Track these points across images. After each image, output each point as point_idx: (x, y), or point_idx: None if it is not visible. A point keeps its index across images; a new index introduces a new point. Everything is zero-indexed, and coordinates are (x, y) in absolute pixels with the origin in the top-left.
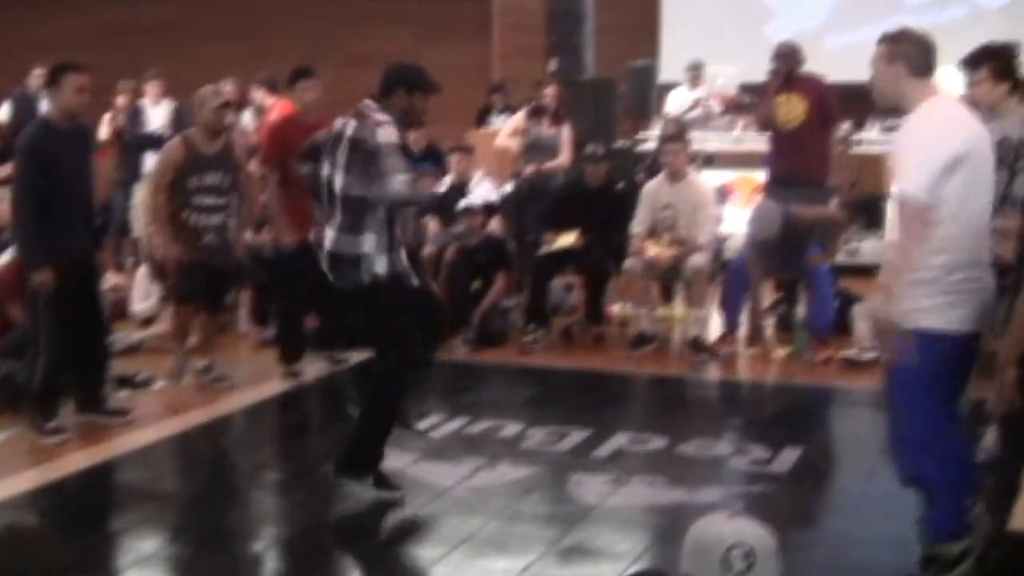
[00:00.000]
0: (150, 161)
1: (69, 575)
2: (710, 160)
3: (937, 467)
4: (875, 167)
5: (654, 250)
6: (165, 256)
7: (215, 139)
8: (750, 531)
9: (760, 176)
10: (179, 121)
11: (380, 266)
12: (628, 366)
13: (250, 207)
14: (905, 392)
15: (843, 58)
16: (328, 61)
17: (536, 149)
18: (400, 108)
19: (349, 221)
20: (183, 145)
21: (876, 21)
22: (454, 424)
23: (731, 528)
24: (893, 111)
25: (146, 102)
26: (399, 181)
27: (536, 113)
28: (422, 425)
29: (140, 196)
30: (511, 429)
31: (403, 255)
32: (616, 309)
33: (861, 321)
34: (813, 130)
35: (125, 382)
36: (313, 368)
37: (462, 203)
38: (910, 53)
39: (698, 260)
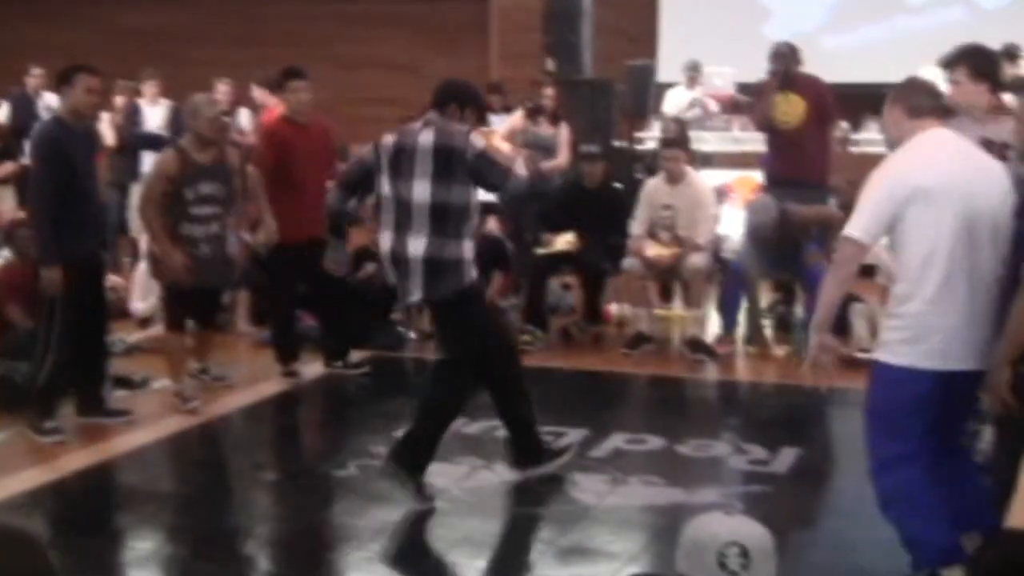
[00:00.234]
0: (148, 161)
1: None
2: (708, 160)
3: (885, 504)
4: (873, 167)
5: (653, 250)
6: (169, 268)
7: (209, 148)
8: (746, 529)
9: (758, 176)
10: (177, 121)
11: (473, 273)
12: (626, 366)
13: (253, 207)
14: (868, 421)
15: (841, 58)
16: (324, 64)
17: (534, 149)
18: (454, 121)
19: (444, 228)
20: (177, 156)
21: (874, 22)
22: (451, 424)
23: (727, 526)
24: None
25: (143, 102)
26: (521, 174)
27: (534, 113)
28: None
29: (137, 196)
30: None
31: None
32: (614, 309)
33: (859, 321)
34: (812, 130)
35: (123, 383)
36: (310, 368)
37: None
38: (907, 96)
39: (697, 260)
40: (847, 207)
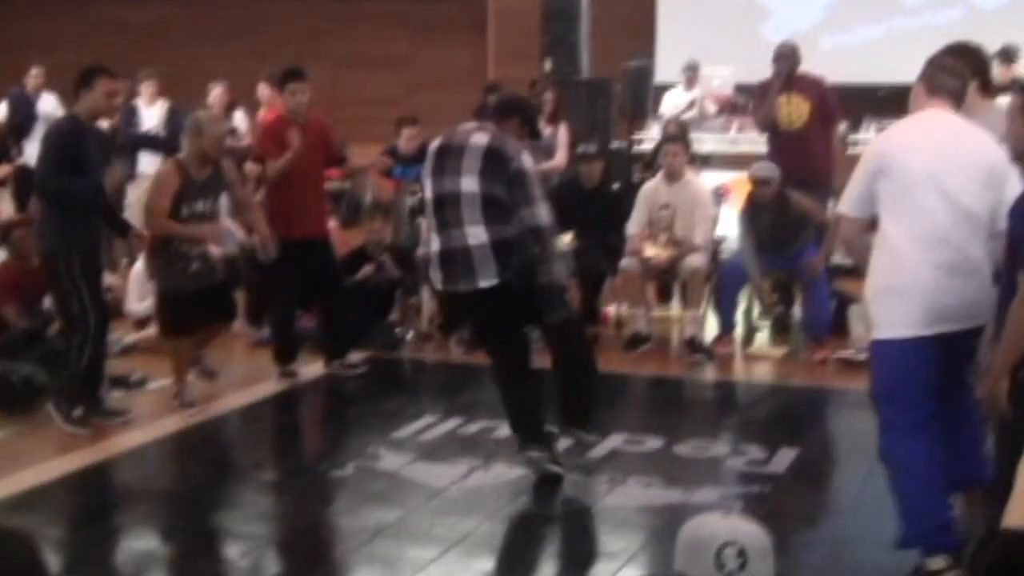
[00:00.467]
0: (145, 161)
1: (66, 575)
2: (705, 161)
3: (889, 471)
4: None
5: (651, 251)
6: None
7: (208, 165)
8: (743, 529)
9: None
10: (174, 121)
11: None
12: (624, 367)
13: (246, 211)
14: (873, 402)
15: (839, 59)
16: (322, 62)
17: (532, 149)
18: (508, 134)
19: (497, 214)
20: (177, 172)
21: (872, 22)
22: (449, 424)
23: (724, 526)
24: (892, 111)
25: (140, 102)
26: (543, 212)
27: None
28: (415, 426)
29: (135, 196)
30: (506, 430)
31: None
32: (612, 310)
33: (857, 322)
34: (815, 131)
35: (120, 382)
36: (309, 368)
37: None
38: (932, 74)
39: (695, 260)
40: None
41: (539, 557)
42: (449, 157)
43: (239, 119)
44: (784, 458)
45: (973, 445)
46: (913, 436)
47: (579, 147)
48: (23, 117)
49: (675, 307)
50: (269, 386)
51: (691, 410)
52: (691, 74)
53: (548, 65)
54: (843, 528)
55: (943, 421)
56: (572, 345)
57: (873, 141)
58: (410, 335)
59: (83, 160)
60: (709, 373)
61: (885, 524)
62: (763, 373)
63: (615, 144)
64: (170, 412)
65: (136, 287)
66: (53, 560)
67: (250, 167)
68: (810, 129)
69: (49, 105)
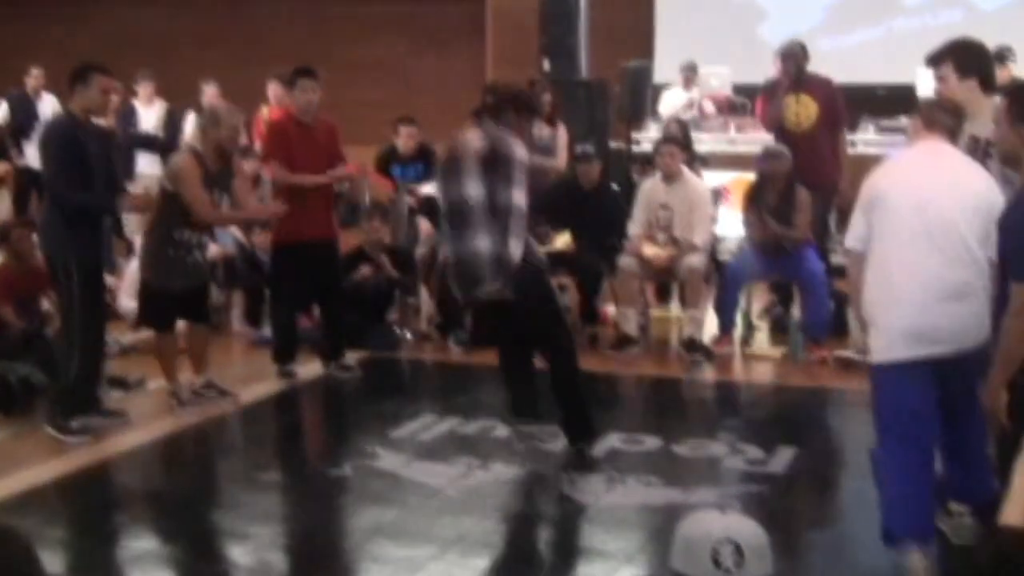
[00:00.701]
0: (143, 162)
1: (66, 575)
2: (703, 161)
3: (876, 467)
4: (869, 169)
5: (649, 250)
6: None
7: (221, 157)
8: (740, 527)
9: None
10: (172, 122)
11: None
12: (623, 367)
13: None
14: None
15: (837, 60)
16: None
17: (532, 149)
18: (509, 127)
19: (495, 226)
20: (196, 161)
21: (870, 23)
22: (447, 424)
23: (721, 524)
24: (891, 112)
25: (138, 103)
26: (520, 193)
27: None
28: (414, 425)
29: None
30: (504, 429)
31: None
32: (611, 310)
33: (856, 324)
34: (823, 132)
35: (118, 383)
36: (306, 369)
37: None
38: (930, 110)
39: (693, 260)
40: (844, 209)
41: (537, 556)
42: (454, 166)
43: None
44: (783, 458)
45: (982, 462)
46: (906, 451)
47: (577, 148)
48: (23, 118)
49: (674, 307)
50: (267, 386)
51: (690, 410)
52: (689, 74)
53: (546, 66)
54: (841, 528)
55: (951, 439)
56: (560, 361)
57: (871, 176)
58: (408, 335)
59: (86, 159)
60: (708, 373)
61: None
62: (762, 373)
63: (613, 145)
64: (168, 413)
65: (130, 284)
66: (51, 561)
67: (247, 166)
68: (818, 130)
69: (49, 106)
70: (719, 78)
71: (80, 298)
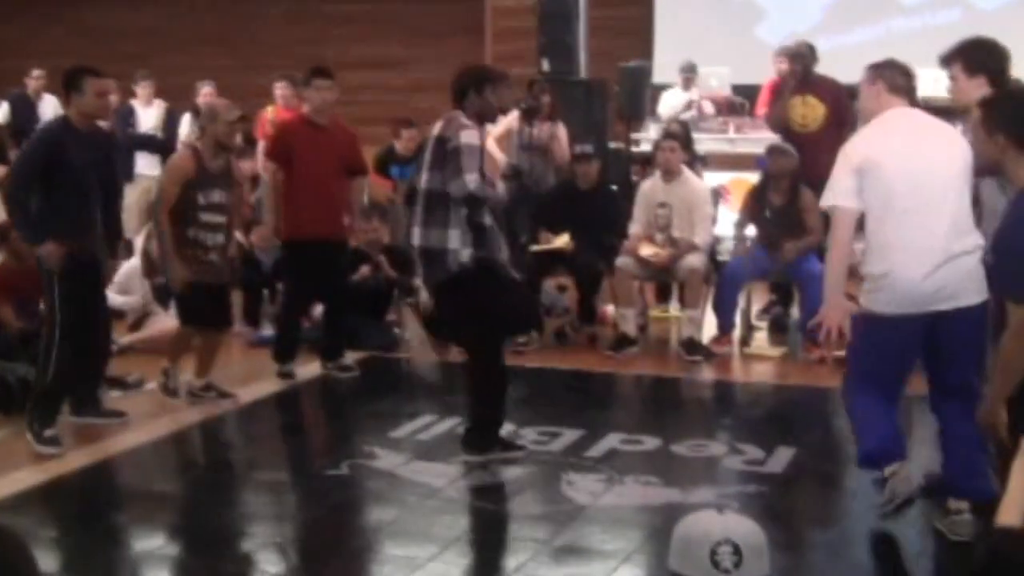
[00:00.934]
0: (142, 162)
1: (64, 575)
2: (703, 161)
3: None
4: None
5: (647, 250)
6: (174, 281)
7: (221, 155)
8: (738, 527)
9: (753, 178)
10: (171, 123)
11: (465, 257)
12: (621, 367)
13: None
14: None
15: (836, 60)
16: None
17: (530, 150)
18: (475, 109)
19: (435, 217)
20: (193, 158)
21: (869, 23)
22: (446, 424)
23: (719, 524)
24: None
25: (137, 103)
26: (471, 179)
27: (529, 114)
28: (413, 425)
29: (133, 197)
30: (503, 429)
31: (502, 250)
32: (611, 310)
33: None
34: (830, 133)
35: (117, 383)
36: (305, 369)
37: None
38: (890, 74)
39: (693, 260)
40: None
41: (536, 556)
42: (421, 153)
43: None
44: (781, 458)
45: (980, 457)
46: (881, 390)
47: (576, 148)
48: (24, 119)
49: (673, 307)
50: (267, 386)
51: (689, 410)
52: (689, 75)
53: (545, 66)
54: (841, 527)
55: (949, 435)
56: (475, 360)
57: (856, 141)
58: (407, 335)
59: (68, 165)
60: (707, 373)
61: (881, 523)
62: (761, 373)
63: (612, 145)
64: (167, 413)
65: (123, 280)
66: (50, 561)
67: (244, 167)
68: (824, 132)
69: (50, 107)
70: (718, 78)
71: (62, 301)
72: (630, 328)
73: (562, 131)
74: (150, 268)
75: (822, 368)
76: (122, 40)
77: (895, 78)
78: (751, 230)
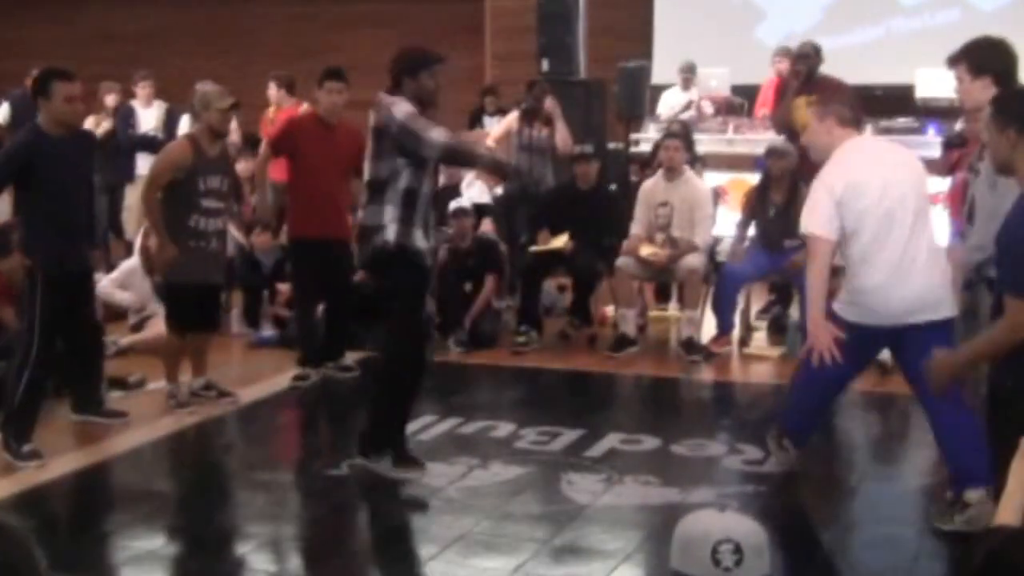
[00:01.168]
0: (143, 163)
1: (64, 575)
2: (703, 161)
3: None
4: None
5: (647, 250)
6: (159, 258)
7: (217, 142)
8: (739, 526)
9: (753, 178)
10: (171, 123)
11: (390, 234)
12: (621, 367)
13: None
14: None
15: (836, 60)
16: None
17: (530, 151)
18: (412, 94)
19: (372, 198)
20: (190, 144)
21: (869, 23)
22: (446, 424)
23: (720, 523)
24: (890, 113)
25: (137, 103)
26: (437, 134)
27: (529, 115)
28: (413, 426)
29: (133, 198)
30: (503, 429)
31: (428, 237)
32: (610, 311)
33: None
34: None
35: (118, 383)
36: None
37: (453, 205)
38: (836, 109)
39: (692, 261)
40: None
41: (536, 556)
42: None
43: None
44: None
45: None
46: (826, 380)
47: (575, 148)
48: (24, 119)
49: (673, 307)
50: (266, 386)
51: (688, 410)
52: (688, 75)
53: (545, 66)
54: (839, 528)
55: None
56: (381, 368)
57: (832, 172)
58: None
59: (44, 176)
60: (706, 373)
61: (881, 524)
62: (760, 373)
63: (611, 145)
64: (168, 413)
65: (120, 276)
66: (51, 561)
67: (242, 167)
68: None
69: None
70: (718, 79)
71: (43, 318)
72: (630, 328)
73: (561, 125)
74: (151, 265)
75: None
76: (122, 40)
77: (842, 111)
78: (751, 230)
